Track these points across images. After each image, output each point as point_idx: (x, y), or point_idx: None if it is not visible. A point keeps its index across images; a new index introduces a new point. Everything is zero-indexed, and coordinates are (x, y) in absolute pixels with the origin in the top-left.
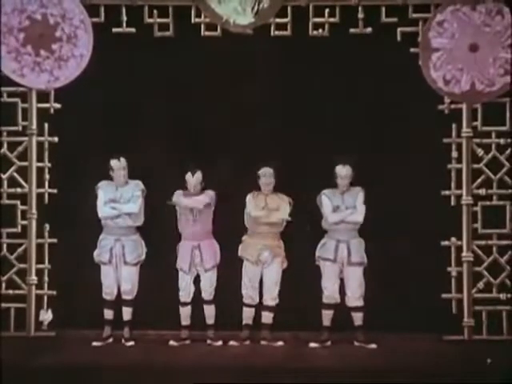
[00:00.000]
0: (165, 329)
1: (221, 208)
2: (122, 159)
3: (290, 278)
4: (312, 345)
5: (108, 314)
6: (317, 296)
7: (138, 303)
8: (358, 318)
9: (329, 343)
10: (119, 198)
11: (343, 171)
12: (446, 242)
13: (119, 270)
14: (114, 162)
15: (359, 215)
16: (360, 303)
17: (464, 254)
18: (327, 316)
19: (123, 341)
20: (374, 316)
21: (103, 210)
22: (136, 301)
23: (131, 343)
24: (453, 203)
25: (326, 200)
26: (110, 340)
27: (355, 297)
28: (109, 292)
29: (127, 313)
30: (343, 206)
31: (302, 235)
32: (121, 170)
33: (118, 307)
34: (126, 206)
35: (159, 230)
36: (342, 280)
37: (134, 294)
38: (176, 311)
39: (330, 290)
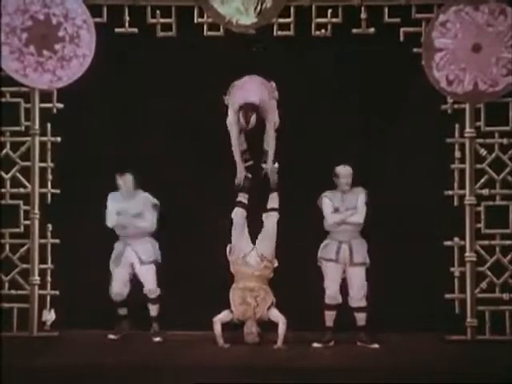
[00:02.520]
0: (165, 328)
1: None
2: (127, 176)
3: (290, 278)
4: (315, 345)
5: (122, 311)
6: (318, 296)
7: (139, 303)
8: (360, 319)
9: (332, 343)
10: (127, 209)
11: (343, 171)
12: (449, 242)
13: (136, 270)
14: (118, 179)
15: (360, 216)
16: (363, 304)
17: (467, 254)
18: (330, 317)
19: (151, 336)
20: (377, 316)
21: (112, 220)
22: (137, 300)
23: (158, 339)
24: (456, 203)
25: (327, 201)
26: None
27: (358, 298)
28: (119, 292)
29: (154, 309)
30: (343, 207)
31: (302, 235)
32: (124, 185)
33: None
34: (138, 220)
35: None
36: (344, 280)
37: (158, 291)
38: (176, 311)
39: (332, 291)
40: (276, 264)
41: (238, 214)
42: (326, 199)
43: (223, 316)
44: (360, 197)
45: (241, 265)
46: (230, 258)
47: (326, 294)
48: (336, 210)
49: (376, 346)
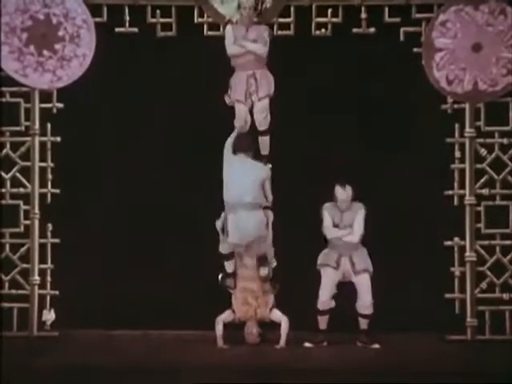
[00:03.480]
0: (165, 328)
1: None
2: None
3: (290, 279)
4: (307, 345)
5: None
6: (318, 297)
7: (138, 303)
8: (364, 323)
9: (325, 344)
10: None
11: (343, 195)
12: (449, 242)
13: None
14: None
15: (355, 236)
16: (370, 311)
17: (467, 254)
18: (323, 320)
19: None
20: (377, 316)
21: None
22: (137, 300)
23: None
24: (456, 203)
25: (326, 215)
26: None
27: (366, 305)
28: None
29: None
30: (342, 224)
31: (301, 238)
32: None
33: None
34: None
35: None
36: (341, 285)
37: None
38: (178, 311)
39: (325, 297)
40: (275, 263)
41: None
42: (326, 213)
43: (226, 316)
44: (359, 213)
45: (240, 266)
46: None
47: (319, 299)
48: (336, 226)
49: (376, 346)
